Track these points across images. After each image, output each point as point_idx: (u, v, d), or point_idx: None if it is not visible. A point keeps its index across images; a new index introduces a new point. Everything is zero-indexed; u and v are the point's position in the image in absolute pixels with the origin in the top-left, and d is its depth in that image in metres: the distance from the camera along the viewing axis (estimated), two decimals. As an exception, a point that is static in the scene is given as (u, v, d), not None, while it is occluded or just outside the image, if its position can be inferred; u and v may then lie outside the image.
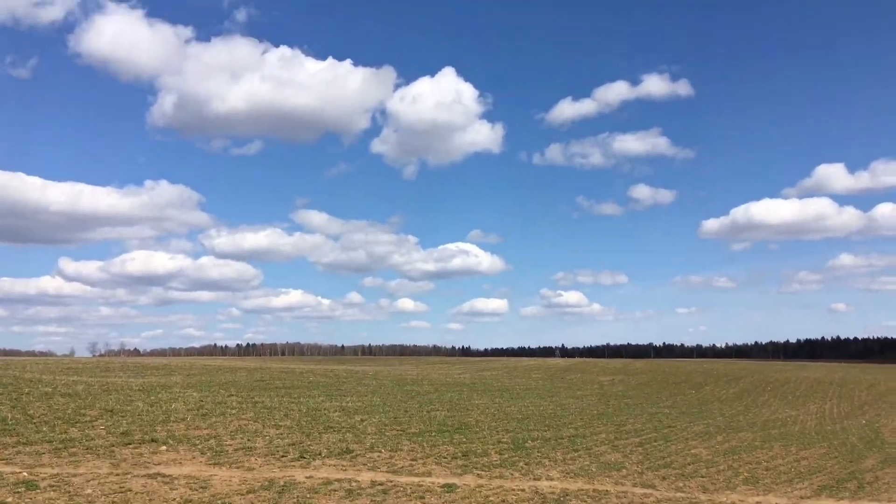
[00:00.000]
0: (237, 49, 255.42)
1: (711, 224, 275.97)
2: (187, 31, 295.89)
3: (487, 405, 35.03)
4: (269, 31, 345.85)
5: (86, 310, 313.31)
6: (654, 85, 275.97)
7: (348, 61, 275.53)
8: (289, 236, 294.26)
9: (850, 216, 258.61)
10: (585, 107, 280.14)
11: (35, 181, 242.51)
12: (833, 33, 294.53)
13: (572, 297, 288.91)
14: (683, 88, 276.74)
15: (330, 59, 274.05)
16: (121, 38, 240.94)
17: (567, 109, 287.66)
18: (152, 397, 26.46)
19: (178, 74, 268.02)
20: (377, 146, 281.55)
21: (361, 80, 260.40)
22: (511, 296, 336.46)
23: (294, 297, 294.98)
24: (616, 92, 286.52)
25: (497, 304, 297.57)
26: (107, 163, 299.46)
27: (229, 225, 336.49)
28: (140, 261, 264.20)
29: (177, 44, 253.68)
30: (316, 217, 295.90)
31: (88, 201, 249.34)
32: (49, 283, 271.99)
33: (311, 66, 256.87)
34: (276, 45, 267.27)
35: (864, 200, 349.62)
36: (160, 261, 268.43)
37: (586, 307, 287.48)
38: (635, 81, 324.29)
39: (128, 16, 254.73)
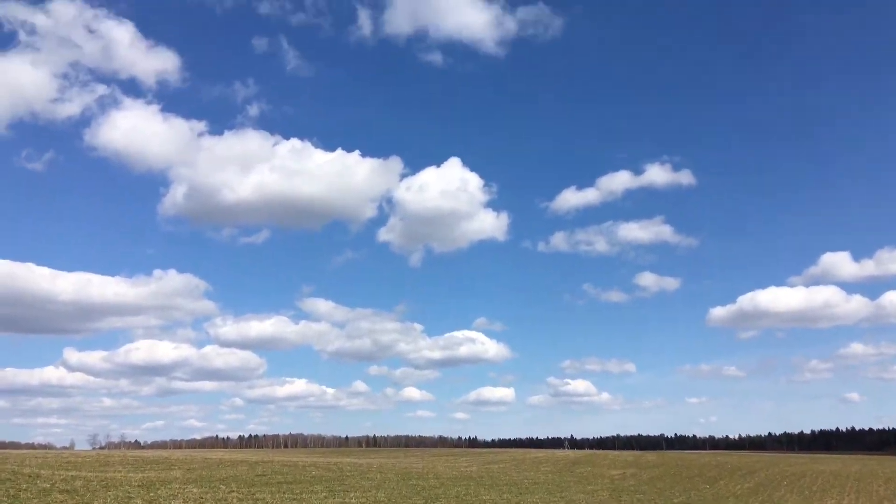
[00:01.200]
0: (249, 141, 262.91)
1: (718, 312, 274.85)
2: (201, 125, 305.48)
3: (495, 501, 34.02)
4: (280, 125, 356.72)
5: (87, 400, 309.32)
6: (657, 174, 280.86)
7: (357, 152, 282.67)
8: (294, 324, 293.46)
9: (858, 304, 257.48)
10: (589, 195, 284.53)
11: (44, 271, 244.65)
12: (833, 125, 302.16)
13: (580, 385, 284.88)
14: (685, 178, 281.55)
15: (339, 150, 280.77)
16: (136, 131, 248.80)
17: (571, 198, 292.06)
18: (151, 494, 25.85)
19: (190, 166, 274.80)
20: (383, 234, 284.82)
21: (369, 169, 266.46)
22: (518, 384, 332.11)
23: (298, 386, 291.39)
24: (619, 181, 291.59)
25: (504, 392, 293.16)
26: (117, 252, 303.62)
27: (235, 313, 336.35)
28: (144, 350, 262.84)
29: (190, 137, 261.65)
30: (322, 305, 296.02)
31: (97, 291, 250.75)
32: (52, 374, 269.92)
33: (320, 156, 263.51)
34: (287, 138, 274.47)
35: (871, 288, 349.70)
36: (164, 350, 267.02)
37: (595, 396, 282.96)
38: (638, 171, 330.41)
39: (143, 111, 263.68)
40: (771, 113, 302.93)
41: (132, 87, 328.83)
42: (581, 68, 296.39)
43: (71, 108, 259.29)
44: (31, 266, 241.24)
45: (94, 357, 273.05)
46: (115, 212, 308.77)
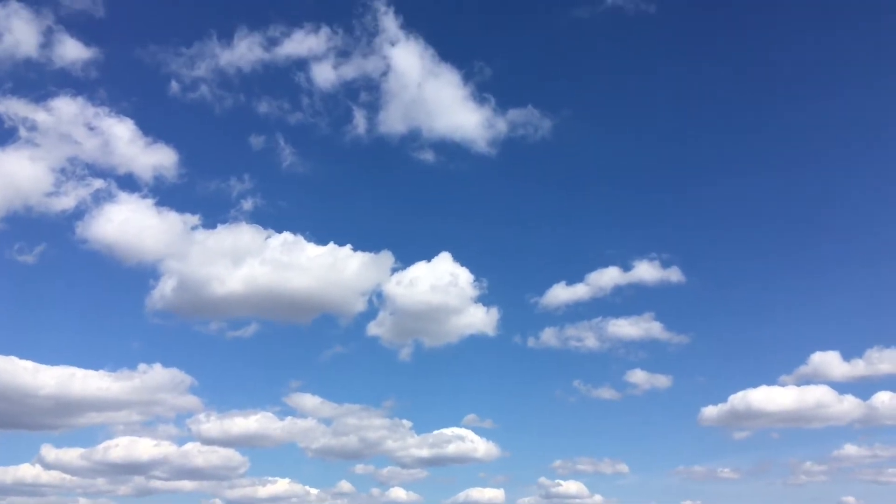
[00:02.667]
0: (241, 235, 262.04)
1: (710, 411, 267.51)
2: (194, 219, 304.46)
3: None
4: (273, 219, 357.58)
5: (63, 500, 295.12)
6: (645, 271, 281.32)
7: (348, 246, 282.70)
8: (280, 420, 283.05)
9: (850, 404, 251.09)
10: (579, 291, 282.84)
11: (28, 365, 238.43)
12: (821, 225, 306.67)
13: (572, 486, 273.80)
14: (674, 275, 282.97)
15: (331, 244, 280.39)
16: (128, 224, 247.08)
17: (561, 293, 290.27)
18: None
19: (181, 259, 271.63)
20: (373, 329, 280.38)
21: (360, 264, 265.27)
22: (508, 485, 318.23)
23: (281, 486, 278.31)
24: (608, 277, 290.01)
25: (493, 493, 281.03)
26: (103, 346, 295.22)
27: (219, 409, 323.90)
28: (123, 447, 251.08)
29: (183, 230, 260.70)
30: (309, 401, 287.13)
31: (79, 385, 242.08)
32: (28, 472, 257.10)
33: (312, 250, 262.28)
34: (280, 231, 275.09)
35: (862, 388, 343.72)
36: (144, 447, 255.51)
37: (587, 499, 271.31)
38: (627, 267, 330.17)
39: (138, 204, 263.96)
40: (760, 214, 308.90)
41: (129, 182, 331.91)
42: (570, 167, 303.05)
43: (66, 201, 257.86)
44: (14, 360, 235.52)
45: (72, 454, 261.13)
46: (104, 305, 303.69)
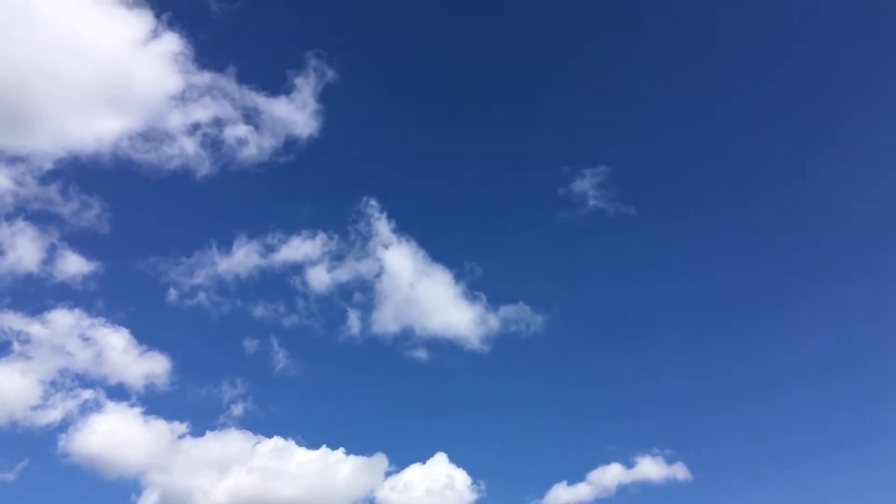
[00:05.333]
0: (230, 442, 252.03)
1: None
2: (183, 427, 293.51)
3: None
4: (264, 424, 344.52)
5: None
6: (649, 467, 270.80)
7: (341, 450, 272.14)
8: None
9: None
10: (581, 491, 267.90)
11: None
12: (834, 434, 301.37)
13: None
14: (680, 471, 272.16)
15: (323, 448, 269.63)
16: (113, 435, 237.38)
17: (562, 494, 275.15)
18: None
19: (166, 471, 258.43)
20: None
21: (352, 468, 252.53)
22: None
23: None
24: (611, 475, 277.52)
25: None
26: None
27: None
28: None
29: (170, 439, 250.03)
30: None
31: None
32: None
33: (303, 455, 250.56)
34: (270, 436, 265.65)
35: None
36: None
37: None
38: (629, 464, 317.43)
39: (125, 414, 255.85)
40: (763, 407, 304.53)
41: (118, 391, 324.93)
42: (565, 362, 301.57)
43: (53, 414, 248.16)
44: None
45: None
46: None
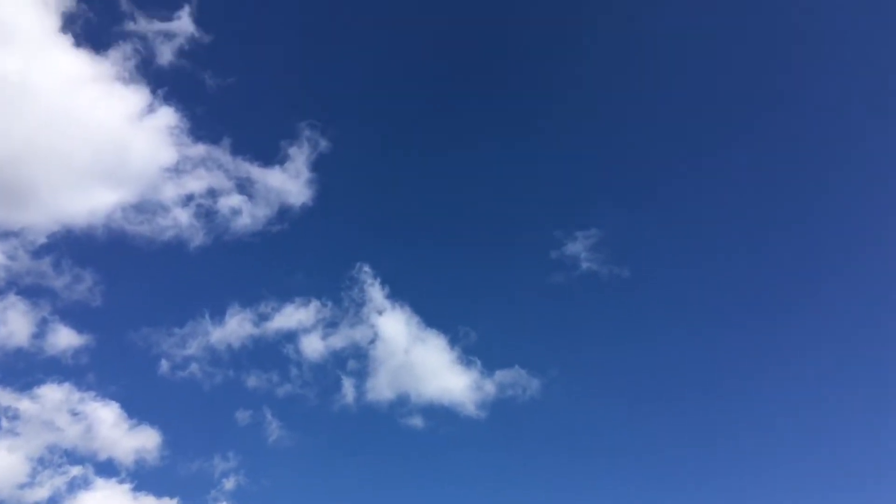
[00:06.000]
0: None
1: None
2: (172, 503, 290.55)
3: None
4: (255, 498, 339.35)
5: None
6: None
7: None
8: None
9: None
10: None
11: None
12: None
13: None
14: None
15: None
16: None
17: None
18: None
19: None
20: None
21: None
22: None
23: None
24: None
25: None
26: None
27: None
28: None
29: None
30: None
31: None
32: None
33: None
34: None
35: None
36: None
37: None
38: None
39: (113, 490, 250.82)
40: (768, 475, 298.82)
41: (107, 467, 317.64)
42: (562, 425, 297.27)
43: (40, 492, 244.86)
44: None
45: None
46: None
